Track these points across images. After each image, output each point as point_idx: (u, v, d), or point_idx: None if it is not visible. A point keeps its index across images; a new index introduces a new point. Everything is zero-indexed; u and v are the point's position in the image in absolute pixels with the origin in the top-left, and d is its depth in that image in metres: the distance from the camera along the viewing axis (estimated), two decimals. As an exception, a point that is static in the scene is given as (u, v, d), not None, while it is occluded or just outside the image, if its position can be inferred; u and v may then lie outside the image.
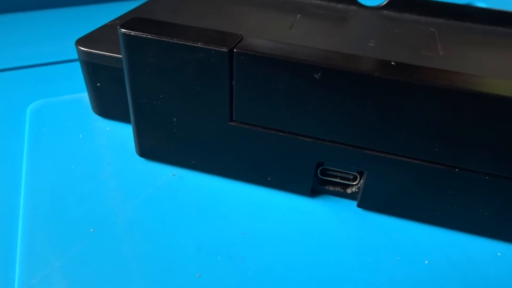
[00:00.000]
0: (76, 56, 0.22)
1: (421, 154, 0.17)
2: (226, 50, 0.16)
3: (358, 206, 0.19)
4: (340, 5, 0.32)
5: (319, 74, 0.16)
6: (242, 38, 0.17)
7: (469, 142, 0.16)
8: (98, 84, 0.22)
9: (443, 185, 0.17)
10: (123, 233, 0.18)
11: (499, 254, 0.18)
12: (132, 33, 0.17)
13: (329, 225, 0.19)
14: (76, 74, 0.27)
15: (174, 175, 0.21)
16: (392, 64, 0.16)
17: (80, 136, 0.23)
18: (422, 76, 0.15)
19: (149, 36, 0.17)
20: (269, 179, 0.20)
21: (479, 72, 0.19)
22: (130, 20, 0.18)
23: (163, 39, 0.17)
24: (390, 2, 0.31)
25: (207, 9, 0.28)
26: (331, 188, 0.20)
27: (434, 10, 0.31)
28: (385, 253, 0.18)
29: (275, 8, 0.30)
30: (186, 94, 0.18)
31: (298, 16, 0.28)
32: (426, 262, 0.18)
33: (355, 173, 0.19)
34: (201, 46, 0.16)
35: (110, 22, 0.24)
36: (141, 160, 0.21)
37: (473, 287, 0.17)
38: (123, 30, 0.17)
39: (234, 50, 0.16)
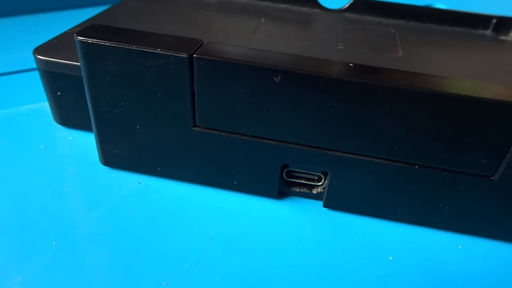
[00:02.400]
0: (35, 65, 0.22)
1: (381, 153, 0.17)
2: (186, 55, 0.16)
3: (324, 206, 0.20)
4: (303, 9, 0.32)
5: (279, 78, 0.16)
6: (202, 44, 0.17)
7: (426, 140, 0.16)
8: (59, 93, 0.22)
9: (404, 182, 0.18)
10: (87, 244, 0.17)
11: (459, 247, 0.19)
12: (90, 41, 0.17)
13: (296, 226, 0.19)
14: (35, 83, 0.26)
15: (139, 183, 0.20)
16: (350, 66, 0.17)
17: (41, 146, 0.22)
18: (379, 77, 0.16)
19: (107, 44, 0.16)
20: (235, 183, 0.20)
21: (437, 71, 0.20)
22: (87, 27, 0.17)
23: (122, 46, 0.16)
24: (352, 4, 0.31)
25: (171, 15, 0.28)
26: (297, 190, 0.20)
27: (394, 12, 0.31)
28: (351, 251, 0.18)
29: (239, 12, 0.30)
30: (148, 101, 0.18)
31: (262, 20, 0.28)
32: (391, 258, 0.18)
33: (319, 174, 0.19)
34: (160, 52, 0.16)
35: (70, 29, 0.24)
36: (105, 169, 0.21)
37: (435, 280, 0.17)
38: (80, 37, 0.17)
39: (194, 55, 0.16)
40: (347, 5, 0.32)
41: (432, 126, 0.16)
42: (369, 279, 0.17)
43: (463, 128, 0.16)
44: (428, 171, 0.17)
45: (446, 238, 0.19)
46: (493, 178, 0.17)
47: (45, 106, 0.24)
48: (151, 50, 0.16)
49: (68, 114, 0.23)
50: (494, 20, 0.30)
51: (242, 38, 0.25)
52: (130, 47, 0.16)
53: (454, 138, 0.16)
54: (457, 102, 0.15)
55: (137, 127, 0.19)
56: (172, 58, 0.16)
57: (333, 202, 0.19)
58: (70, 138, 0.23)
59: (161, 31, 0.18)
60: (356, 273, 0.17)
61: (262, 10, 0.31)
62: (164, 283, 0.16)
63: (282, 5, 0.32)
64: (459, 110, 0.16)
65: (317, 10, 0.32)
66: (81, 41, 0.17)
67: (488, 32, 0.31)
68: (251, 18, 0.29)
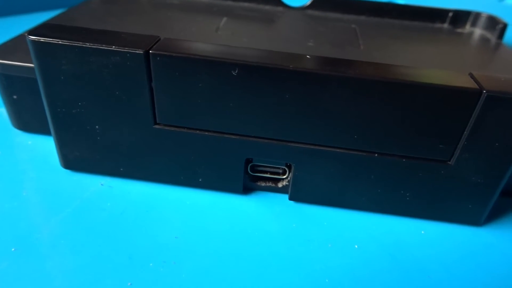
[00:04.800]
0: (-11, 69, 0.21)
1: (341, 143, 0.17)
2: (141, 52, 0.16)
3: (290, 199, 0.20)
4: (267, 7, 0.32)
5: (236, 71, 0.16)
6: (159, 40, 0.17)
7: (384, 128, 0.17)
8: (15, 97, 0.21)
9: (365, 171, 0.18)
10: (48, 249, 0.17)
11: (422, 232, 0.19)
12: (42, 40, 0.16)
13: (263, 220, 0.19)
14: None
15: (102, 184, 0.20)
16: (308, 58, 0.17)
17: (-1, 152, 0.22)
18: (335, 67, 0.16)
19: (59, 42, 0.16)
20: (200, 180, 0.20)
21: (396, 63, 0.20)
22: (39, 26, 0.17)
23: (75, 44, 0.16)
24: (314, 2, 0.32)
25: (132, 16, 0.28)
26: (263, 184, 0.20)
27: (355, 8, 0.32)
28: (317, 242, 0.18)
29: (202, 11, 0.30)
30: (106, 100, 0.17)
31: (225, 18, 0.28)
32: (356, 246, 0.18)
33: (283, 167, 0.19)
34: (115, 49, 0.16)
35: (25, 31, 0.23)
36: (67, 172, 0.20)
37: (400, 266, 0.17)
38: (32, 37, 0.16)
39: (150, 51, 0.16)
40: (309, 3, 0.32)
41: (388, 114, 0.16)
42: (335, 268, 0.17)
43: (418, 115, 0.16)
44: (388, 159, 0.18)
45: (410, 224, 0.19)
46: (449, 163, 0.17)
47: (1, 111, 0.24)
48: (106, 48, 0.16)
49: (26, 118, 0.22)
50: (450, 14, 0.31)
51: (204, 36, 0.25)
52: (84, 45, 0.16)
53: (411, 125, 0.17)
54: (411, 89, 0.16)
55: (97, 127, 0.18)
56: (128, 55, 0.16)
57: (298, 194, 0.20)
58: (29, 142, 0.22)
59: (121, 31, 0.18)
60: (322, 262, 0.17)
61: (225, 9, 0.31)
62: (129, 283, 0.16)
63: (246, 4, 0.32)
64: (413, 97, 0.16)
65: (280, 8, 0.32)
66: (33, 41, 0.16)
67: (446, 25, 0.31)
68: (214, 17, 0.29)
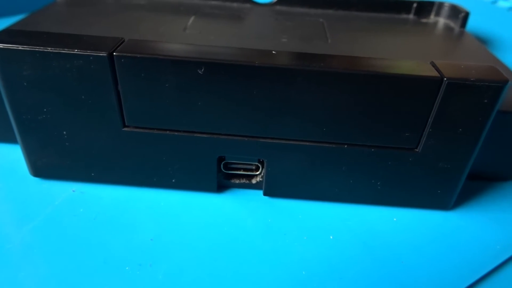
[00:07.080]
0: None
1: (311, 136, 0.18)
2: (105, 54, 0.16)
3: (265, 194, 0.20)
4: (235, 4, 0.32)
5: (202, 70, 0.16)
6: (123, 41, 0.17)
7: (351, 119, 0.17)
8: (-22, 106, 0.20)
9: (336, 163, 0.18)
10: (20, 259, 0.17)
11: (395, 219, 0.20)
12: (1, 46, 0.16)
13: (238, 217, 0.19)
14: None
15: (74, 191, 0.20)
16: (273, 53, 0.17)
17: (-36, 164, 0.21)
18: (300, 62, 0.16)
19: (19, 48, 0.16)
20: (173, 180, 0.19)
21: (363, 55, 0.20)
22: (-2, 32, 0.17)
23: (36, 49, 0.16)
24: (282, -3, 0.32)
25: (97, 18, 0.27)
26: (237, 181, 0.20)
27: (322, 3, 0.32)
28: (293, 235, 0.18)
29: (169, 11, 0.30)
30: (72, 105, 0.17)
31: (193, 17, 0.28)
32: (331, 237, 0.18)
33: (256, 163, 0.19)
34: (78, 52, 0.16)
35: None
36: (36, 180, 0.20)
37: (374, 253, 0.18)
38: (-9, 43, 0.16)
39: (114, 53, 0.16)
40: (276, -1, 0.32)
41: (354, 105, 0.17)
42: (311, 260, 0.17)
43: (384, 105, 0.17)
44: (357, 149, 0.18)
45: (382, 212, 0.20)
46: (417, 150, 0.18)
47: (-34, 121, 0.23)
48: (68, 51, 0.16)
49: (-9, 127, 0.21)
50: (415, 5, 0.32)
51: (172, 36, 0.25)
52: (45, 50, 0.16)
53: (377, 115, 0.17)
54: (374, 80, 0.16)
55: (64, 133, 0.18)
56: (91, 58, 0.16)
57: (273, 189, 0.20)
58: (-4, 152, 0.22)
59: (85, 34, 0.17)
60: (298, 255, 0.18)
61: (193, 8, 0.31)
62: (105, 288, 0.16)
63: (213, 2, 0.32)
64: (378, 88, 0.16)
65: (248, 5, 0.32)
66: (-9, 47, 0.16)
67: (411, 16, 0.32)
68: (181, 16, 0.29)
